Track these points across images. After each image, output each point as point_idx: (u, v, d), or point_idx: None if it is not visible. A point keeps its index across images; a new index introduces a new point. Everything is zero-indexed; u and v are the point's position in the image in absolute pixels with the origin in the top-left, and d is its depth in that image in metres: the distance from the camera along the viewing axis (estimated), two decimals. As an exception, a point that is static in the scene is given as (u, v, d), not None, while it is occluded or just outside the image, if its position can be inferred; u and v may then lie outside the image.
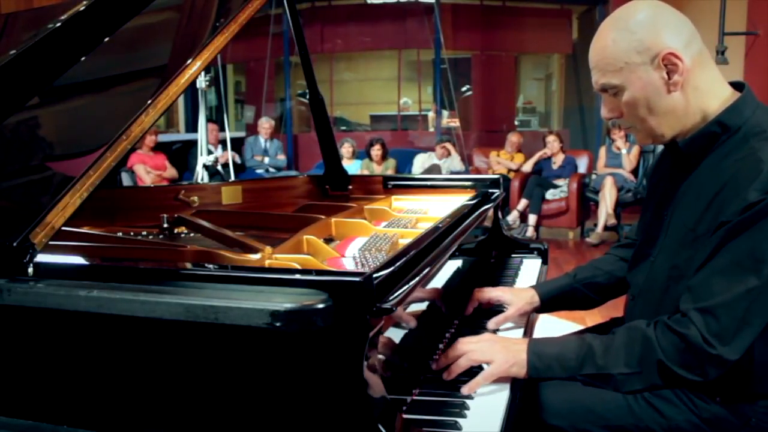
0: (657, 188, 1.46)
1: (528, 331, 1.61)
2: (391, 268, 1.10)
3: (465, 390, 1.23)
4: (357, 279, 0.97)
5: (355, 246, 1.61)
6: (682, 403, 1.25)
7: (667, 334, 1.20)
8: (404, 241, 1.55)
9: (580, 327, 1.94)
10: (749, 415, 1.24)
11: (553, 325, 3.39)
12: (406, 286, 1.12)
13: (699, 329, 1.17)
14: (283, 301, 0.94)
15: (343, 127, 10.14)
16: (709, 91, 1.28)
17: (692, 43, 1.25)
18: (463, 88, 10.02)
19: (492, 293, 1.66)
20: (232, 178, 6.23)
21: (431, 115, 9.70)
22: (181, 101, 9.00)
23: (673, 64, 1.23)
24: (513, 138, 7.36)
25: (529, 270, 2.14)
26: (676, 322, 1.20)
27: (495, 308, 1.67)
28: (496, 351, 1.28)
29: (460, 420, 1.11)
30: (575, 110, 9.82)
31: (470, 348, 1.29)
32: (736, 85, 1.32)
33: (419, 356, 1.34)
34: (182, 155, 7.43)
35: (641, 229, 1.51)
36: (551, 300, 1.66)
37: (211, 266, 1.13)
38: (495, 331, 1.56)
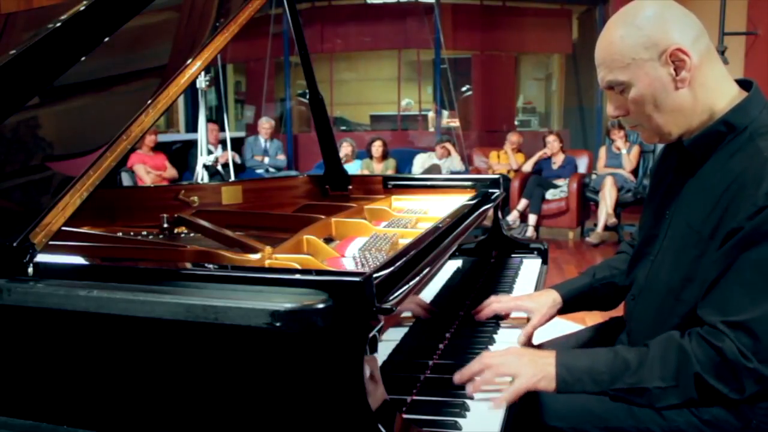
0: (659, 188, 1.45)
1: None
2: (391, 268, 1.10)
3: (494, 405, 1.18)
4: (357, 279, 0.97)
5: (355, 246, 1.61)
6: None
7: (703, 346, 1.17)
8: (404, 241, 1.55)
9: (580, 327, 1.93)
10: (750, 416, 1.24)
11: (553, 326, 3.38)
12: (406, 286, 1.12)
13: (734, 342, 1.14)
14: (283, 301, 0.94)
15: (343, 127, 10.14)
16: (716, 89, 1.26)
17: (700, 40, 1.24)
18: (463, 88, 10.01)
19: (511, 303, 1.61)
20: (232, 178, 6.23)
21: (431, 115, 9.70)
22: (181, 101, 8.99)
23: (681, 60, 1.21)
24: (513, 138, 7.37)
25: (529, 270, 2.14)
26: (710, 334, 1.17)
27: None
28: (523, 364, 1.24)
29: (460, 420, 1.11)
30: (575, 110, 9.81)
31: (496, 362, 1.24)
32: (744, 84, 1.30)
33: (419, 356, 1.34)
34: (182, 155, 7.43)
35: (641, 228, 1.50)
36: (574, 300, 1.62)
37: (211, 266, 1.13)
38: (494, 332, 1.55)
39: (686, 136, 1.30)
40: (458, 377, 1.24)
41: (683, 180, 1.34)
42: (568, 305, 1.62)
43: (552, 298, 1.60)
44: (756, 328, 1.14)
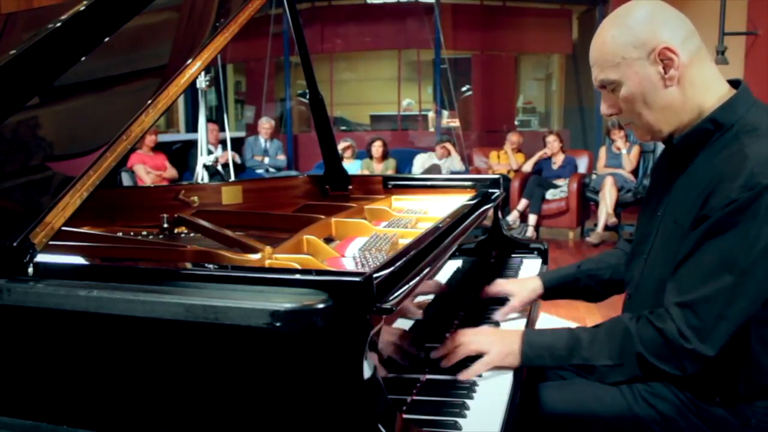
0: (656, 188, 1.47)
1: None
2: (391, 268, 1.10)
3: (462, 376, 1.27)
4: (357, 279, 0.97)
5: (355, 246, 1.61)
6: (682, 404, 1.25)
7: (647, 327, 1.23)
8: (404, 241, 1.55)
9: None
10: (749, 415, 1.24)
11: (554, 326, 3.38)
12: (406, 286, 1.12)
13: (676, 323, 1.19)
14: (283, 301, 0.94)
15: (343, 127, 10.13)
16: (705, 88, 1.29)
17: (690, 40, 1.26)
18: (463, 88, 10.01)
19: (499, 288, 1.71)
20: (232, 178, 6.23)
21: (431, 115, 9.70)
22: (181, 101, 8.98)
23: (669, 58, 1.24)
24: (513, 138, 7.37)
25: (529, 270, 2.14)
26: (656, 316, 1.23)
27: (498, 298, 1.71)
28: (492, 342, 1.32)
29: (460, 420, 1.11)
30: (575, 110, 9.81)
31: (468, 339, 1.33)
32: (735, 84, 1.32)
33: (418, 356, 1.34)
34: (182, 155, 7.43)
35: (637, 227, 1.52)
36: (555, 288, 1.70)
37: (211, 266, 1.13)
38: (497, 324, 1.60)
39: (677, 134, 1.32)
40: (434, 354, 1.34)
41: (674, 178, 1.36)
42: (550, 292, 1.70)
43: (534, 284, 1.70)
44: (699, 307, 1.17)
